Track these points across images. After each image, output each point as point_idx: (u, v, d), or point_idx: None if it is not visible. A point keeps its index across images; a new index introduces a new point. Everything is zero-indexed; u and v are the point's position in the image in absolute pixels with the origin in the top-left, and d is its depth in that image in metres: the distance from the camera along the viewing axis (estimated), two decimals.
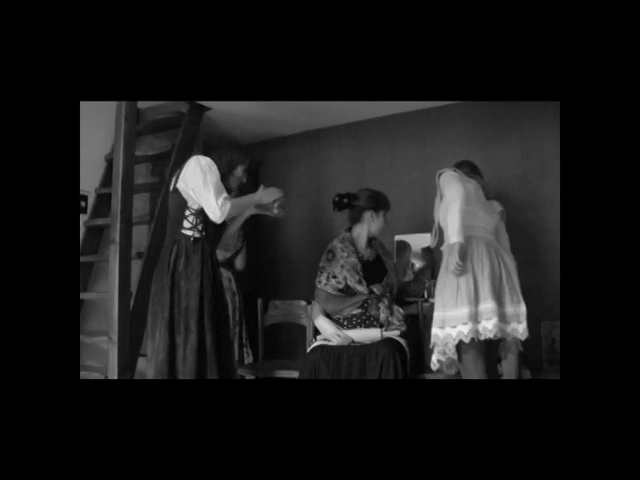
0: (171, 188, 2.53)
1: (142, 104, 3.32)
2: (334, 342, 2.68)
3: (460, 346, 2.23)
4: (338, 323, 2.77)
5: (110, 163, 3.36)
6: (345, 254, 2.83)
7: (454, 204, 2.26)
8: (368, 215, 2.87)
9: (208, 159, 2.48)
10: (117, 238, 2.75)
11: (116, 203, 2.78)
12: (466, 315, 2.17)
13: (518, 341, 2.32)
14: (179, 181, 2.46)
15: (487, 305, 2.17)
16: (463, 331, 2.16)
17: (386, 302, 2.79)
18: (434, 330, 2.27)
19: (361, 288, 2.78)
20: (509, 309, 2.24)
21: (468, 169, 2.62)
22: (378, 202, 2.89)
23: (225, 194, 2.43)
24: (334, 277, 2.81)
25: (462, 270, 2.20)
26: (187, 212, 2.45)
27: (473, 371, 2.25)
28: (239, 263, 3.59)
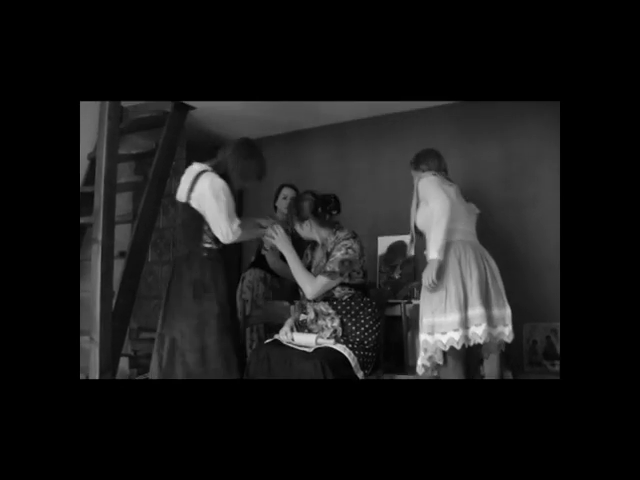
0: (181, 199, 2.56)
1: (126, 103, 3.30)
2: (282, 339, 2.62)
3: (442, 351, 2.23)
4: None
5: (93, 161, 3.32)
6: None
7: (441, 219, 2.23)
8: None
9: (221, 182, 2.50)
10: (100, 237, 2.72)
11: (99, 202, 2.75)
12: (457, 321, 2.17)
13: (502, 342, 2.35)
14: (192, 198, 2.51)
15: (476, 311, 2.18)
16: (454, 337, 2.16)
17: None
18: (423, 336, 2.26)
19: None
20: (495, 312, 2.26)
21: (435, 163, 2.57)
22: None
23: (238, 221, 2.52)
24: None
25: (435, 288, 2.22)
26: (206, 227, 2.53)
27: (453, 376, 2.27)
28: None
